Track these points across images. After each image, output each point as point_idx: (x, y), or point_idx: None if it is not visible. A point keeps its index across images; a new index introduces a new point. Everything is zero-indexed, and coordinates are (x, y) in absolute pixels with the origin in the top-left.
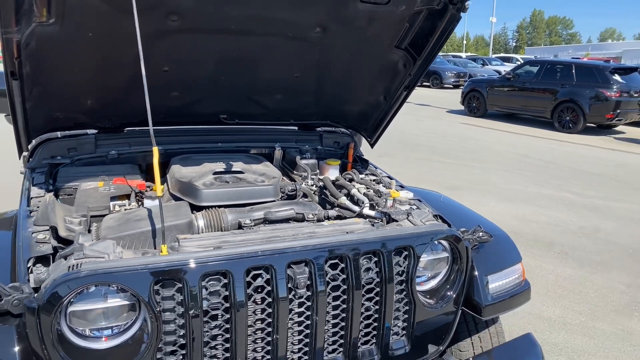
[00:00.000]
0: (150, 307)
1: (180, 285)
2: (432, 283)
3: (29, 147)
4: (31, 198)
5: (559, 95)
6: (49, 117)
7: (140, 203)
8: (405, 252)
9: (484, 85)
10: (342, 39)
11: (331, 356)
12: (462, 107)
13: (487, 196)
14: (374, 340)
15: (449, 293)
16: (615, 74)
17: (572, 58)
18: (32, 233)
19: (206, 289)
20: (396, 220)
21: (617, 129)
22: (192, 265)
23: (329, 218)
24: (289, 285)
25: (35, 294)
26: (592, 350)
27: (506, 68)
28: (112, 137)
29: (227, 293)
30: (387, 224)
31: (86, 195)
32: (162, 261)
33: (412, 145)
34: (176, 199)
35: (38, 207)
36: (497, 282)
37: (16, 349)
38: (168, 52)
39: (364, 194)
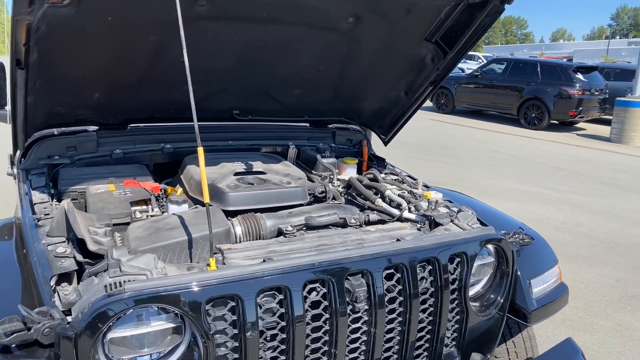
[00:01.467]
0: (204, 330)
1: (234, 304)
2: (477, 288)
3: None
4: (34, 204)
5: (524, 93)
6: (49, 112)
7: (162, 209)
8: (458, 259)
9: (452, 83)
10: (373, 30)
11: None
12: (431, 104)
13: (468, 193)
14: (425, 354)
15: (494, 298)
16: (578, 73)
17: (530, 57)
18: (48, 246)
19: (260, 306)
20: (441, 224)
21: (578, 125)
22: (249, 280)
23: (369, 222)
24: (348, 299)
25: (68, 320)
26: (594, 346)
27: (469, 65)
28: (114, 134)
29: (282, 310)
30: (430, 228)
31: (101, 201)
32: (216, 277)
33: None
34: (196, 202)
35: (46, 214)
36: (540, 286)
37: None
38: (189, 41)
39: (399, 196)
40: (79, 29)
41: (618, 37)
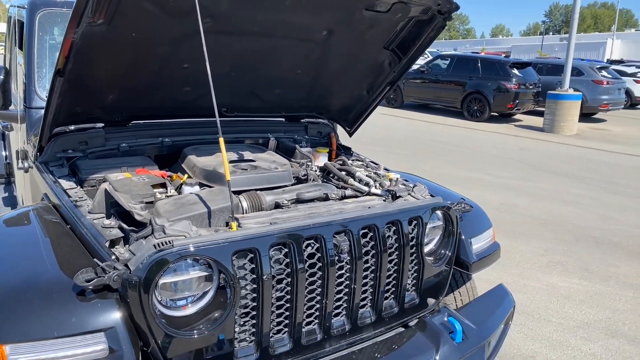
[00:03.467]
0: (232, 275)
1: (252, 256)
2: (430, 246)
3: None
4: (66, 190)
5: (467, 87)
6: (70, 112)
7: (178, 190)
8: (415, 222)
9: None
10: (342, 40)
11: (362, 310)
12: None
13: None
14: (392, 296)
15: (444, 253)
16: (514, 68)
17: (472, 52)
18: (94, 220)
19: (270, 258)
20: (401, 197)
21: (515, 117)
22: (264, 237)
23: (345, 197)
24: (335, 251)
25: (129, 271)
26: (526, 302)
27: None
28: (119, 130)
29: (287, 260)
30: (393, 200)
31: (127, 185)
32: (240, 235)
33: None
34: (201, 185)
35: (80, 197)
36: (478, 244)
37: (120, 318)
38: (192, 50)
39: (367, 176)
40: (107, 43)
41: (551, 33)
